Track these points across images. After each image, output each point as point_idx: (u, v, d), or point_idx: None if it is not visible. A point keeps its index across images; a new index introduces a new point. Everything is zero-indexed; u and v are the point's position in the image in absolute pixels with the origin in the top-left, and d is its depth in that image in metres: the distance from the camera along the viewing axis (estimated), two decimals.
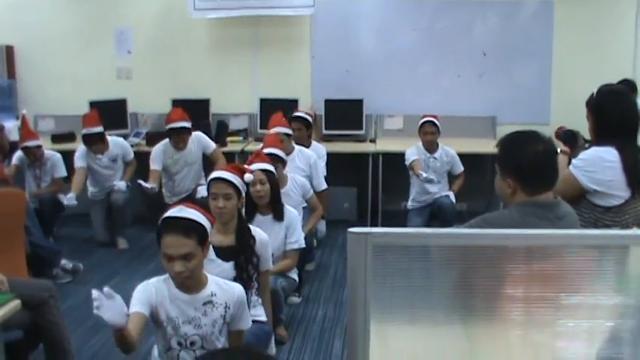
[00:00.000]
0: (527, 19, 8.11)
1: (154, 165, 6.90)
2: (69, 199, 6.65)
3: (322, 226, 6.45)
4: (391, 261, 1.88)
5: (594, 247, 1.94)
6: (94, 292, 2.81)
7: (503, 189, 2.89)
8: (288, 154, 6.02)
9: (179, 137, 6.88)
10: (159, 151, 6.94)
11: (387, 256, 1.85)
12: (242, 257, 4.01)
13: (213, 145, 7.15)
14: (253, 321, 3.87)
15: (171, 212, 3.17)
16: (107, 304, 2.82)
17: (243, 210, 4.35)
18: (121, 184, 7.06)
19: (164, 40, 8.46)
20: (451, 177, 6.97)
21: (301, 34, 8.33)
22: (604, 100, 3.66)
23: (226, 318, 3.25)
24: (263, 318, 4.13)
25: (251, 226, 4.24)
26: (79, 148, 7.11)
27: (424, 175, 6.58)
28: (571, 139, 4.10)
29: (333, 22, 8.27)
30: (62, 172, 7.03)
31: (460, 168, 6.93)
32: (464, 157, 7.01)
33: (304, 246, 5.03)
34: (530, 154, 2.80)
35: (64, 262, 6.13)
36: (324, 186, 6.47)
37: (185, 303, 3.20)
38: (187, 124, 6.87)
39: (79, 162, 7.03)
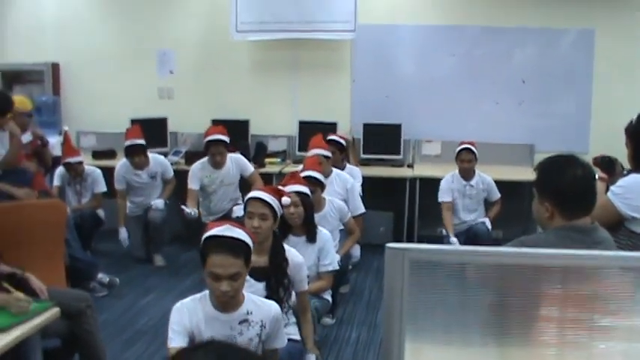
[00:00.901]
0: (568, 47, 8.08)
1: (192, 184, 6.93)
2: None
3: (357, 251, 6.43)
4: (427, 278, 1.88)
5: (631, 269, 1.93)
6: None
7: (541, 213, 2.87)
8: (326, 176, 6.04)
9: (216, 149, 6.85)
10: (196, 170, 6.98)
11: (423, 274, 1.86)
12: (273, 279, 4.02)
13: (251, 168, 7.13)
14: (287, 339, 3.89)
15: (218, 231, 3.14)
16: None
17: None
18: (158, 202, 7.13)
19: (206, 61, 8.57)
20: (487, 204, 6.95)
21: (342, 59, 8.39)
22: None
23: (262, 336, 3.24)
24: (296, 337, 4.13)
25: (286, 247, 4.25)
26: (119, 165, 7.23)
27: (454, 239, 6.65)
28: (609, 165, 4.07)
29: (373, 47, 8.31)
30: (102, 187, 7.14)
31: (497, 195, 6.90)
32: (501, 184, 6.98)
33: (338, 268, 5.02)
34: (569, 178, 2.78)
35: (100, 275, 6.22)
36: (362, 210, 6.45)
37: (220, 322, 3.19)
38: (225, 138, 6.88)
39: (118, 184, 7.22)
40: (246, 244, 3.17)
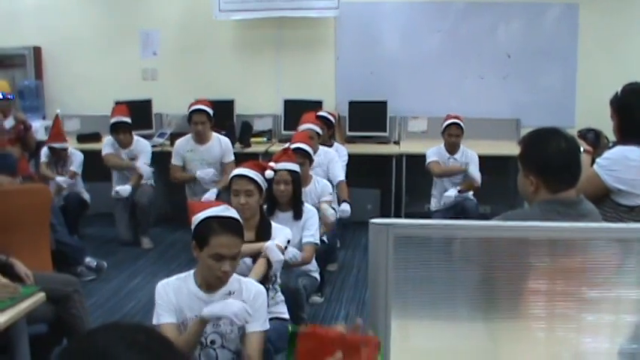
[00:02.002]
0: (552, 21, 8.07)
1: (175, 160, 7.00)
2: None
3: (346, 207, 6.37)
4: (413, 254, 1.87)
5: (616, 240, 1.93)
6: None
7: (526, 187, 2.86)
8: (314, 153, 6.03)
9: (198, 118, 6.85)
10: (179, 145, 7.03)
11: (409, 249, 1.85)
12: (260, 254, 4.03)
13: (232, 157, 7.03)
14: (275, 318, 3.89)
15: (219, 211, 3.15)
16: None
17: (265, 207, 4.39)
18: (123, 190, 7.02)
19: (189, 41, 8.51)
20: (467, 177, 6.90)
21: (325, 36, 8.34)
22: (628, 99, 3.62)
23: None
24: (285, 315, 4.13)
25: (273, 223, 4.27)
26: (106, 139, 7.23)
27: (452, 191, 6.68)
28: (594, 138, 4.07)
29: (357, 24, 8.27)
30: (78, 169, 7.08)
31: (474, 169, 6.79)
32: (487, 159, 6.98)
33: (318, 242, 5.00)
34: (553, 150, 2.77)
35: (88, 259, 6.19)
36: (341, 177, 6.46)
37: (203, 302, 3.18)
38: (207, 109, 6.88)
39: (105, 149, 7.16)
40: (241, 224, 3.22)
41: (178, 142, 7.07)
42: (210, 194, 6.56)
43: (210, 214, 3.14)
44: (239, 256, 3.18)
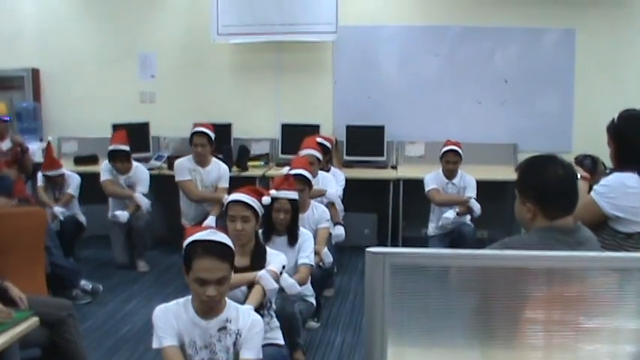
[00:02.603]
0: (549, 46, 8.10)
1: (183, 176, 6.97)
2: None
3: (340, 230, 6.37)
4: (409, 282, 1.86)
5: (616, 269, 1.91)
6: None
7: (523, 213, 2.85)
8: (313, 177, 6.02)
9: (199, 140, 6.85)
10: (183, 162, 7.01)
11: (405, 277, 1.84)
12: None
13: (226, 184, 7.01)
14: (270, 344, 3.87)
15: (203, 235, 3.14)
16: None
17: (260, 231, 4.38)
18: (122, 215, 6.99)
19: (187, 64, 8.53)
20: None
21: (323, 60, 8.37)
22: (625, 126, 3.61)
23: (237, 345, 3.21)
24: (280, 341, 4.11)
25: (268, 249, 4.26)
26: (103, 164, 7.19)
27: (450, 213, 6.67)
28: (591, 165, 4.06)
29: (355, 49, 8.29)
30: (75, 191, 7.06)
31: (470, 193, 6.80)
32: (484, 184, 6.98)
33: (314, 264, 4.97)
34: (550, 177, 2.76)
35: (83, 282, 6.16)
36: (333, 198, 6.50)
37: (201, 329, 3.19)
38: (208, 132, 6.88)
39: (104, 175, 7.11)
40: (231, 249, 3.18)
41: (180, 161, 7.05)
42: (210, 221, 6.56)
43: (195, 237, 3.14)
44: (226, 280, 3.13)
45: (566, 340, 1.98)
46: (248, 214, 4.13)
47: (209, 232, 3.15)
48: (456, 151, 6.75)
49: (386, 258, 1.78)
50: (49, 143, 7.26)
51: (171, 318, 3.19)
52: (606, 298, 1.93)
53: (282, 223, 4.88)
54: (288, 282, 4.37)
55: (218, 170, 7.04)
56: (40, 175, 7.01)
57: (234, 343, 3.20)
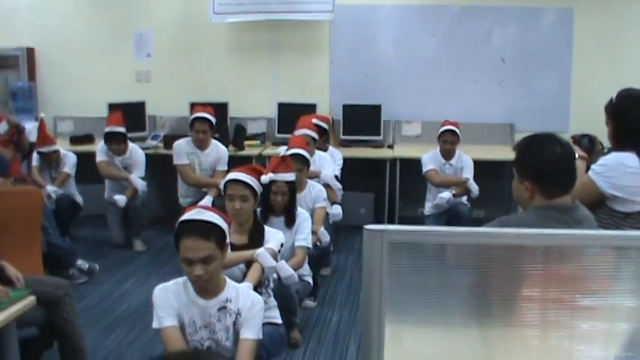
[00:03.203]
0: (547, 26, 8.06)
1: (181, 160, 6.94)
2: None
3: (338, 210, 6.37)
4: (406, 260, 1.86)
5: (613, 248, 1.91)
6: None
7: (521, 192, 2.84)
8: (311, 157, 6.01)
9: (200, 126, 6.83)
10: (182, 145, 6.98)
11: (403, 255, 1.83)
12: None
13: (225, 167, 6.96)
14: (268, 323, 3.88)
15: (188, 215, 3.14)
16: None
17: (258, 210, 4.38)
18: (120, 200, 6.98)
19: (183, 43, 8.48)
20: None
21: (320, 39, 8.33)
22: (624, 105, 3.59)
23: (237, 325, 3.22)
24: (278, 320, 4.12)
25: (266, 227, 4.26)
26: (99, 145, 7.16)
27: (446, 194, 6.66)
28: (588, 144, 4.06)
29: (352, 28, 8.25)
30: (71, 170, 7.05)
31: (467, 174, 6.82)
32: (482, 164, 6.97)
33: (310, 246, 4.99)
34: (548, 155, 2.75)
35: (80, 262, 6.16)
36: (329, 179, 6.48)
37: (200, 308, 3.20)
38: (210, 117, 6.85)
39: (100, 156, 7.09)
40: (218, 227, 3.14)
41: (179, 143, 7.01)
42: (207, 200, 6.55)
43: (182, 218, 3.14)
44: (212, 259, 3.09)
45: (562, 318, 1.98)
46: (246, 193, 4.12)
47: (195, 212, 3.14)
48: (453, 132, 6.74)
49: (384, 235, 1.77)
50: (42, 120, 7.20)
51: (171, 297, 3.20)
52: (603, 276, 1.93)
53: (279, 205, 4.89)
54: (287, 273, 4.37)
55: (217, 152, 7.03)
56: (35, 155, 6.98)
57: (234, 323, 3.21)
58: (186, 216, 3.14)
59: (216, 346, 3.21)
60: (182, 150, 6.95)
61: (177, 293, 3.21)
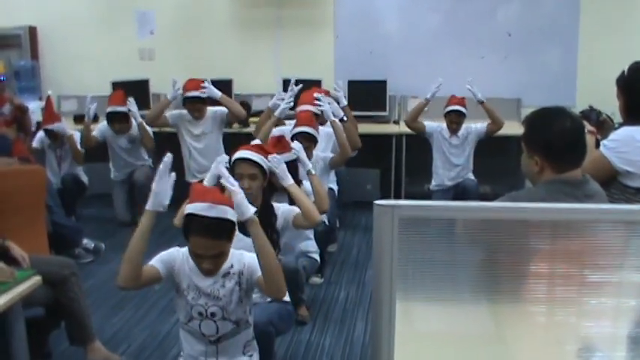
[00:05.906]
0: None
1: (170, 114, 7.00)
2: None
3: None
4: (416, 235, 1.84)
5: (623, 222, 1.88)
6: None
7: (530, 167, 2.81)
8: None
9: (192, 106, 6.84)
10: (177, 112, 7.03)
11: (413, 231, 1.81)
12: None
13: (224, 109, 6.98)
14: (276, 300, 3.86)
15: (199, 209, 3.02)
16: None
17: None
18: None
19: (187, 21, 8.43)
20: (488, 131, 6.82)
21: (324, 15, 8.26)
22: (636, 78, 3.53)
23: (242, 284, 3.20)
24: (286, 298, 4.10)
25: (275, 204, 4.21)
26: (100, 125, 7.16)
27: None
28: (597, 119, 4.01)
29: (356, 3, 8.19)
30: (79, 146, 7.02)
31: (484, 125, 6.80)
32: (488, 139, 6.91)
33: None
34: (557, 129, 2.72)
35: (85, 241, 6.16)
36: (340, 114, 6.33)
37: (199, 277, 3.21)
38: (199, 94, 6.78)
39: (95, 132, 7.11)
40: (229, 222, 3.07)
41: (175, 111, 7.05)
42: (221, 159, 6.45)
43: (193, 210, 3.04)
44: (223, 254, 3.12)
45: (571, 293, 1.96)
46: (255, 171, 4.08)
47: (207, 207, 3.01)
48: (459, 112, 6.70)
49: (394, 210, 1.74)
50: (48, 97, 7.16)
51: (178, 259, 3.23)
52: (613, 251, 1.90)
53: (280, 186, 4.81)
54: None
55: (214, 113, 7.00)
56: (38, 136, 6.95)
57: (239, 282, 3.19)
58: (196, 209, 3.04)
59: (222, 311, 3.19)
60: (175, 113, 7.01)
61: (186, 259, 3.22)
